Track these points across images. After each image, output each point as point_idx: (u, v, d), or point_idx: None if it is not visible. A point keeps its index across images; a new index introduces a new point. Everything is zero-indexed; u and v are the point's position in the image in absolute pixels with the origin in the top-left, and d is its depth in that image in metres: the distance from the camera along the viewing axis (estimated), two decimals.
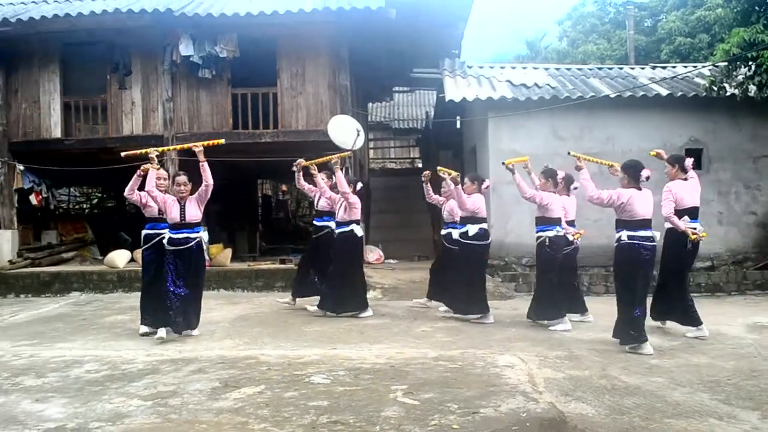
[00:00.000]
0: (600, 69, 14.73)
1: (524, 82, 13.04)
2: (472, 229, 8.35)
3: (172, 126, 12.99)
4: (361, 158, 15.42)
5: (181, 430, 4.32)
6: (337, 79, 12.83)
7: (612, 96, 12.16)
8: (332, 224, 9.12)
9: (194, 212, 7.49)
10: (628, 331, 6.65)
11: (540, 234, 8.01)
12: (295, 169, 9.28)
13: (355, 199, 8.76)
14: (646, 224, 6.83)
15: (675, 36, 22.43)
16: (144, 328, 7.71)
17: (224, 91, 13.06)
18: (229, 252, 13.03)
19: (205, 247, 7.96)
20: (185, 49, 12.49)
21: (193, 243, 7.42)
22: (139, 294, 8.12)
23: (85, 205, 21.42)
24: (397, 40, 13.53)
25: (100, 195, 21.74)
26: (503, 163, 8.11)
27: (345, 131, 11.95)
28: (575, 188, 8.34)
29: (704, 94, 11.94)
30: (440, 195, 9.58)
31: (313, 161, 9.26)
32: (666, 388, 5.21)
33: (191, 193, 7.56)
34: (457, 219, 8.84)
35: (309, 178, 9.44)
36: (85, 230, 15.70)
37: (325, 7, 12.03)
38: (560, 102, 12.06)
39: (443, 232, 9.51)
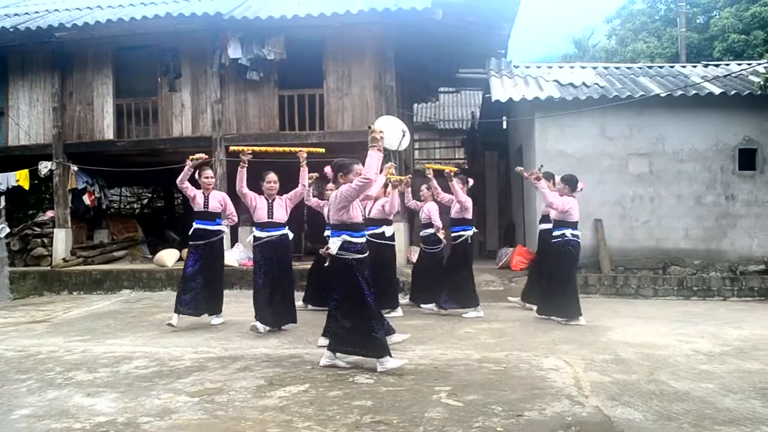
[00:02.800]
0: (650, 68, 14.45)
1: (572, 81, 12.87)
2: (388, 230, 8.98)
3: (220, 127, 13.20)
4: (406, 159, 15.43)
5: (226, 426, 4.39)
6: (383, 80, 12.86)
7: (662, 95, 11.91)
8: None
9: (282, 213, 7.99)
10: (567, 309, 8.31)
11: (461, 233, 9.22)
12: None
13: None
14: (576, 225, 8.51)
15: (728, 33, 21.82)
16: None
17: (271, 92, 13.21)
18: None
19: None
20: (233, 51, 12.68)
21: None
22: None
23: (135, 205, 21.91)
24: (443, 40, 13.48)
25: (150, 195, 22.19)
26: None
27: (390, 132, 11.95)
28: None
29: (759, 92, 11.61)
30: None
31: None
32: (716, 395, 5.08)
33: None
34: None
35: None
36: (136, 229, 16.05)
37: (372, 8, 12.06)
38: (609, 101, 11.88)
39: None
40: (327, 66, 13.08)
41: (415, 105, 21.62)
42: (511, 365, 6.02)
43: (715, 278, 11.19)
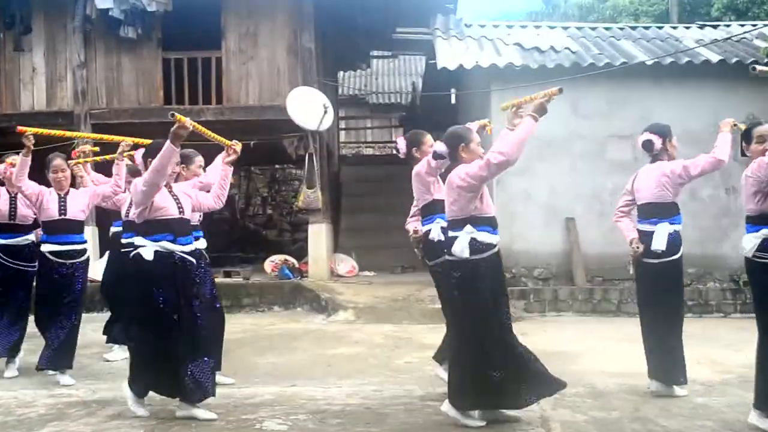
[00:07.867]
0: (634, 29, 14.81)
1: (538, 45, 13.07)
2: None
3: (84, 100, 12.94)
4: (329, 142, 15.40)
5: None
6: (300, 41, 12.83)
7: (649, 63, 12.21)
8: None
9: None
10: None
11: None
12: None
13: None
14: None
15: None
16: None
17: (153, 55, 13.03)
18: None
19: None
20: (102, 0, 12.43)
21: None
22: None
23: None
24: None
25: None
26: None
27: (308, 108, 12.00)
28: None
29: (766, 60, 12.00)
30: None
31: None
32: None
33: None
34: None
35: None
36: None
37: None
38: (583, 70, 12.10)
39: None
40: (227, 21, 12.98)
41: (341, 73, 21.60)
42: None
43: (713, 290, 11.54)
